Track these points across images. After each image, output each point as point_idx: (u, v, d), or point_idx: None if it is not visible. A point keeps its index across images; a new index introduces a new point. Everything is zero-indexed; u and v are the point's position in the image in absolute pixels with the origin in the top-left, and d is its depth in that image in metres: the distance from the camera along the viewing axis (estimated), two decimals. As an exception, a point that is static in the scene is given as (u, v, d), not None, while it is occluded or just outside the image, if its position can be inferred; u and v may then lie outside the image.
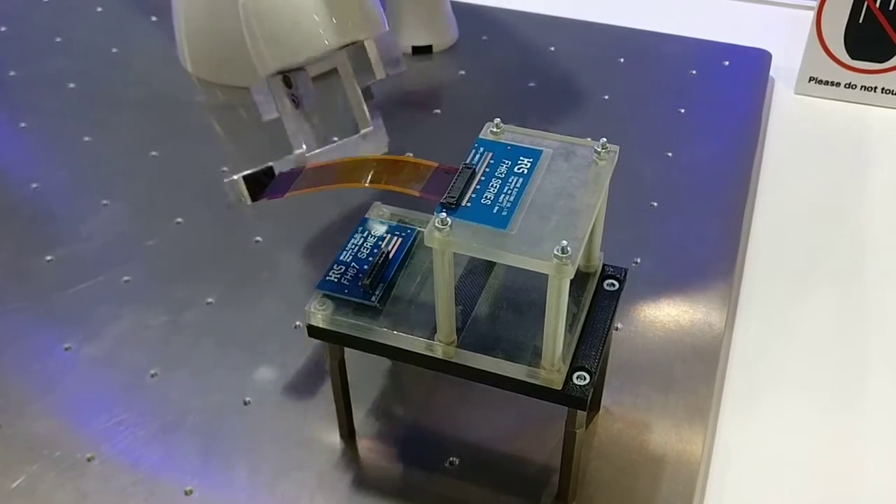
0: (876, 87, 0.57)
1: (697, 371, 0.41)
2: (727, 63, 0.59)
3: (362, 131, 0.42)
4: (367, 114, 0.42)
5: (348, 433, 0.38)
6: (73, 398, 0.40)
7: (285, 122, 0.40)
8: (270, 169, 0.37)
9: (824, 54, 0.57)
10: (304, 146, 0.40)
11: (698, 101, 0.57)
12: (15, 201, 0.50)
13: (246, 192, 0.37)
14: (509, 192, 0.31)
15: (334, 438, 0.38)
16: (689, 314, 0.43)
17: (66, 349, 0.42)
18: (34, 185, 0.51)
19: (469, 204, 0.30)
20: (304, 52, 0.39)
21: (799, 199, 0.51)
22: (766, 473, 0.39)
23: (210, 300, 0.44)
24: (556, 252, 0.28)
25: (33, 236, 0.48)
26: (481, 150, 0.32)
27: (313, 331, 0.33)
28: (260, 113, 0.40)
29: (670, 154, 0.53)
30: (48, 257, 0.47)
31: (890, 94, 0.57)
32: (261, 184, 0.36)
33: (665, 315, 0.44)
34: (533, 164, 0.32)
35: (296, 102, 0.39)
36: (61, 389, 0.41)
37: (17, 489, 0.37)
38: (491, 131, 0.33)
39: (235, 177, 0.37)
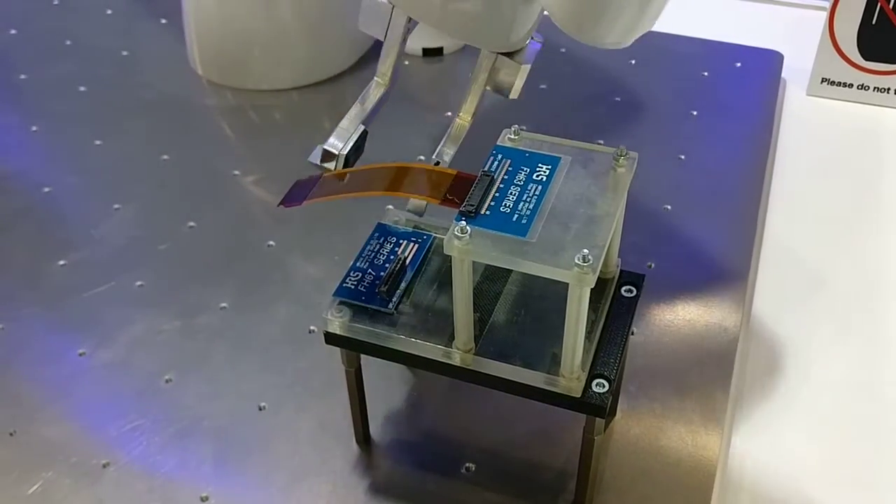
0: (889, 89, 0.57)
1: (713, 376, 0.41)
2: (739, 64, 0.59)
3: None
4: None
5: (364, 439, 0.38)
6: (87, 404, 0.40)
7: (386, 45, 0.37)
8: (365, 132, 0.36)
9: (837, 55, 0.57)
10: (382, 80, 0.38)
11: (710, 102, 0.56)
12: (27, 205, 0.50)
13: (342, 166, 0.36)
14: (528, 199, 0.30)
15: (350, 444, 0.38)
16: (704, 318, 0.43)
17: (80, 354, 0.42)
18: (46, 190, 0.51)
19: (488, 212, 0.30)
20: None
21: (812, 200, 0.51)
22: (783, 479, 0.39)
23: (223, 304, 0.44)
24: (577, 261, 0.28)
25: (46, 241, 0.48)
26: (499, 157, 0.32)
27: (330, 338, 0.33)
28: (361, 20, 0.37)
29: (683, 156, 0.53)
30: (61, 262, 0.47)
31: (903, 96, 0.57)
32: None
33: (680, 319, 0.43)
34: (551, 172, 0.31)
35: (406, 35, 0.37)
36: (76, 395, 0.41)
37: (33, 495, 0.37)
38: (509, 138, 0.33)
39: (333, 150, 0.35)
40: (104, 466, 0.38)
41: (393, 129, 0.53)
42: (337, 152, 0.36)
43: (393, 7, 0.36)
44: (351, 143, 0.36)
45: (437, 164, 0.37)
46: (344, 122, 0.36)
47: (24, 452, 0.38)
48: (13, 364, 0.42)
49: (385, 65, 0.37)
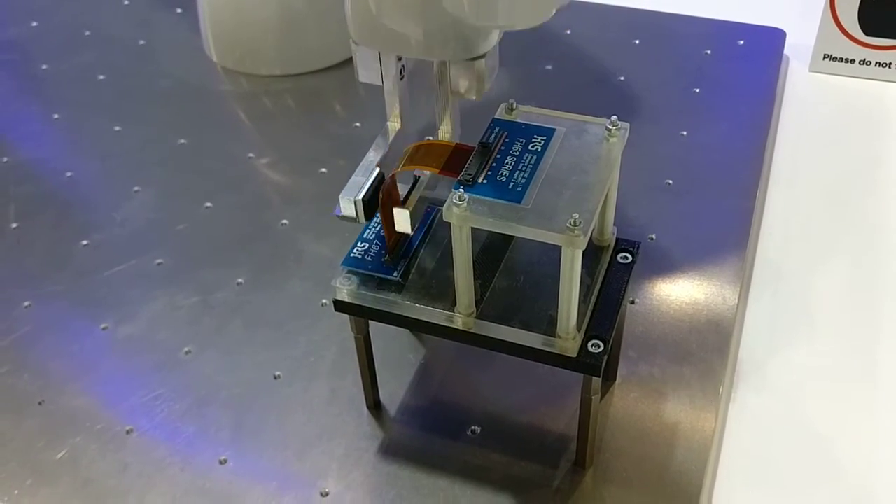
0: (890, 63, 0.58)
1: (711, 343, 0.42)
2: (742, 42, 0.60)
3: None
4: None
5: (374, 404, 0.40)
6: (111, 375, 0.42)
7: (386, 91, 0.37)
8: (381, 175, 0.35)
9: (838, 31, 0.58)
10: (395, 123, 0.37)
11: (713, 80, 0.57)
12: (51, 190, 0.52)
13: (362, 213, 0.35)
14: (524, 168, 0.32)
15: (361, 410, 0.40)
16: (704, 288, 0.45)
17: (104, 329, 0.44)
18: (68, 174, 0.53)
19: (485, 181, 0.32)
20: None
21: (813, 174, 0.52)
22: (779, 441, 0.40)
23: (239, 281, 0.46)
24: (568, 224, 0.29)
25: (69, 223, 0.50)
26: (497, 129, 0.34)
27: (339, 305, 0.35)
28: (359, 71, 0.37)
29: (685, 133, 0.54)
30: (84, 242, 0.49)
31: (904, 70, 0.58)
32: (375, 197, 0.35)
33: (680, 289, 0.45)
34: (546, 142, 0.33)
35: (402, 74, 0.36)
36: (100, 367, 0.43)
37: (61, 460, 0.39)
38: (506, 111, 0.34)
39: (348, 198, 0.34)
40: (128, 433, 0.40)
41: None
42: (353, 199, 0.35)
43: (380, 52, 0.35)
44: (365, 190, 0.35)
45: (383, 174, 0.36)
46: (357, 172, 0.36)
47: (53, 420, 0.40)
48: (40, 338, 0.44)
49: (393, 108, 0.37)
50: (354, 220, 0.35)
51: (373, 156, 0.36)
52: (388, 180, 0.34)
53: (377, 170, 0.35)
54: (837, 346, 0.43)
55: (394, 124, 0.37)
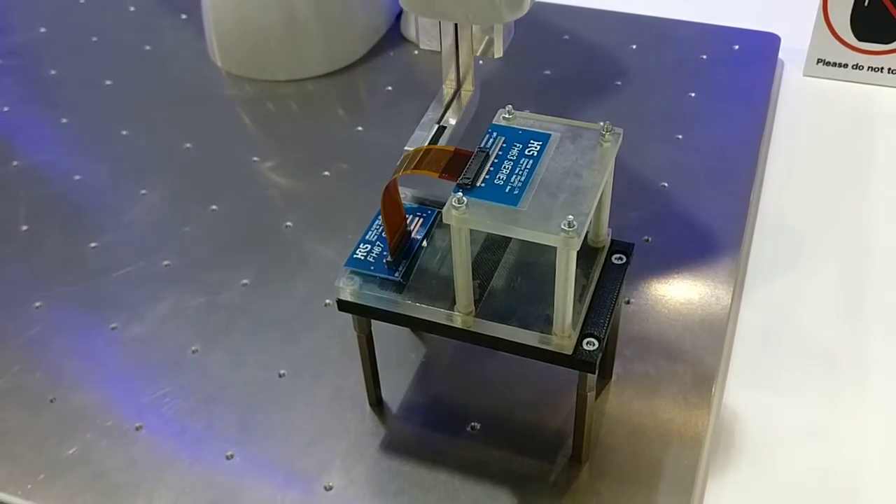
0: (882, 68, 0.59)
1: (705, 342, 0.43)
2: (737, 47, 0.61)
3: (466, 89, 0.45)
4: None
5: (376, 401, 0.41)
6: (120, 373, 0.44)
7: (444, 55, 0.43)
8: (441, 129, 0.41)
9: (831, 37, 0.59)
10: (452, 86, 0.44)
11: (709, 84, 0.58)
12: (60, 193, 0.53)
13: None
14: (520, 172, 0.33)
15: (363, 406, 0.41)
16: (698, 289, 0.46)
17: (113, 329, 0.45)
18: (77, 177, 0.54)
19: (483, 184, 0.33)
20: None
21: (806, 176, 0.53)
22: (771, 438, 0.41)
23: (245, 282, 0.47)
24: (563, 226, 0.30)
25: (78, 225, 0.51)
26: (494, 134, 0.35)
27: (342, 304, 0.36)
28: (421, 39, 0.44)
29: (681, 136, 0.55)
30: (93, 244, 0.50)
31: (896, 74, 0.59)
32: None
33: (675, 290, 0.46)
34: (542, 147, 0.34)
35: (456, 44, 0.42)
36: (109, 365, 0.44)
37: (72, 455, 0.40)
38: (503, 117, 0.35)
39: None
40: (137, 429, 0.41)
41: (403, 117, 0.56)
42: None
43: (440, 22, 0.42)
44: (428, 142, 0.40)
45: (443, 129, 0.41)
46: (420, 128, 0.42)
47: (64, 417, 0.41)
48: (51, 338, 0.45)
49: (450, 71, 0.43)
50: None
51: (432, 115, 0.41)
52: (389, 183, 0.35)
53: (436, 125, 0.40)
54: (828, 345, 0.44)
55: (448, 88, 0.43)
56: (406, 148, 0.39)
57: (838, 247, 0.49)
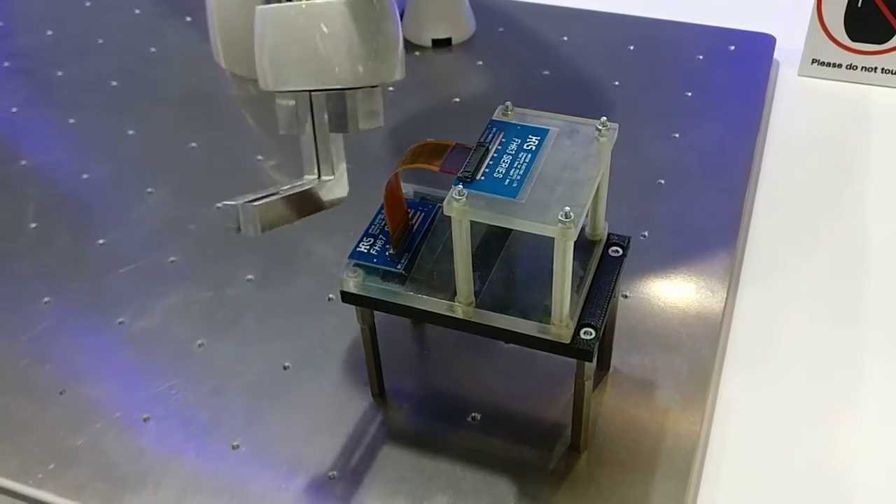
0: (876, 68, 0.60)
1: (701, 334, 0.44)
2: (733, 48, 0.62)
3: (324, 178, 0.39)
4: (334, 163, 0.38)
5: (379, 392, 0.42)
6: (128, 366, 0.44)
7: (302, 143, 0.39)
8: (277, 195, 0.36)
9: (826, 37, 0.60)
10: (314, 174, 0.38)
11: (705, 84, 0.59)
12: (68, 191, 0.54)
13: (258, 222, 0.36)
14: (519, 166, 0.34)
15: (366, 397, 0.42)
16: (694, 283, 0.47)
17: (120, 323, 0.46)
18: (84, 176, 0.55)
19: (483, 177, 0.34)
20: (329, 79, 0.36)
21: (801, 175, 0.54)
22: (765, 428, 0.42)
23: (250, 277, 0.48)
24: (560, 217, 0.31)
25: (86, 223, 0.52)
26: (494, 129, 0.36)
27: (346, 296, 0.37)
28: (279, 124, 0.39)
29: (678, 135, 0.56)
30: (100, 241, 0.51)
31: (890, 74, 0.60)
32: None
33: (671, 284, 0.47)
34: (540, 142, 0.35)
35: (313, 127, 0.37)
36: (117, 359, 0.45)
37: (82, 446, 0.41)
38: (502, 113, 0.36)
39: (242, 202, 0.35)
40: (145, 420, 0.42)
41: (403, 115, 0.57)
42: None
43: (296, 103, 0.37)
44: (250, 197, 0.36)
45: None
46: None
47: (73, 409, 0.42)
48: (60, 332, 0.46)
49: (310, 160, 0.37)
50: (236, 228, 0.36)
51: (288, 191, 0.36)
52: (391, 177, 0.36)
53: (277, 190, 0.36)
54: (822, 338, 0.45)
55: (311, 176, 0.37)
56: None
57: (832, 243, 0.50)
